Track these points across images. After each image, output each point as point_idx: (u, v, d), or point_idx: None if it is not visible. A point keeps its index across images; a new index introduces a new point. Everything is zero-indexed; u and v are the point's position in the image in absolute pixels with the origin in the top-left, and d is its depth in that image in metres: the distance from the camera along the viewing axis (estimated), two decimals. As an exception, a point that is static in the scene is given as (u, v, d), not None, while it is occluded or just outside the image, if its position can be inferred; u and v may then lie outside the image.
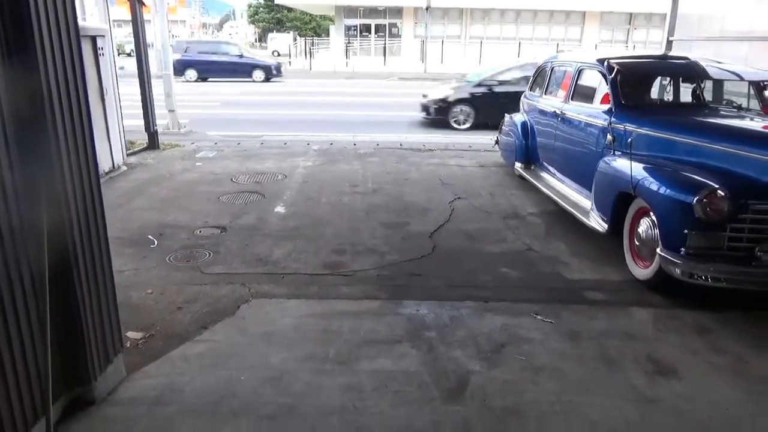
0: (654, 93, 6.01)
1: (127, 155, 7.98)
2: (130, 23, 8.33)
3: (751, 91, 5.18)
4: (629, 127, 4.61)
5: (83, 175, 2.56)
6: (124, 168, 7.44)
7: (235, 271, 4.23)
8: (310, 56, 31.72)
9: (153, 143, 8.82)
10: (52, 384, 2.35)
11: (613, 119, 4.81)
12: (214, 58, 22.62)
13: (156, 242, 4.80)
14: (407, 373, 2.93)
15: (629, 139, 4.36)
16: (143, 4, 8.49)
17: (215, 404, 2.64)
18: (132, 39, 8.54)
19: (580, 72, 5.74)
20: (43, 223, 2.32)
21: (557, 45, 27.21)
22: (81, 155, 2.54)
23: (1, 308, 2.10)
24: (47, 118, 2.29)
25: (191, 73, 21.98)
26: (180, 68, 21.39)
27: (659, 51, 9.94)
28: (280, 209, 5.79)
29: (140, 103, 8.61)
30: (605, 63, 5.09)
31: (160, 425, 2.50)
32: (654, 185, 3.85)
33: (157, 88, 9.11)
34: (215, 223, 5.32)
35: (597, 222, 4.67)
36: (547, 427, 2.53)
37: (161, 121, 9.47)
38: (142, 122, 8.75)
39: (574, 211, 5.14)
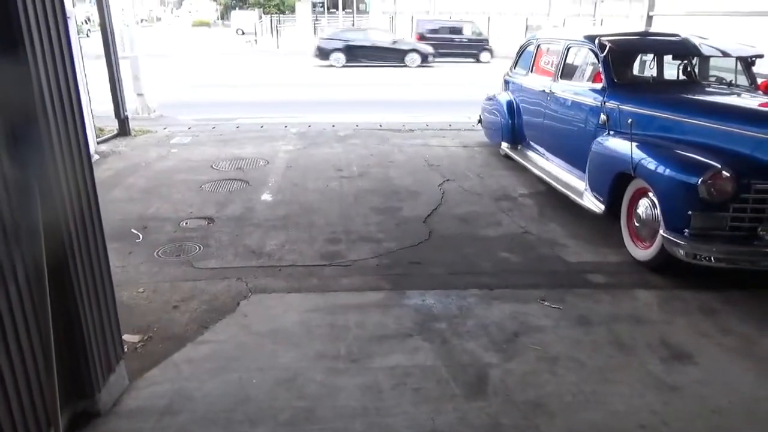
0: (642, 71, 6.01)
1: (98, 143, 7.64)
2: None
3: (738, 67, 5.18)
4: (623, 106, 4.57)
5: (77, 169, 2.38)
6: (96, 157, 7.10)
7: (229, 265, 4.08)
8: (278, 35, 31.00)
9: (124, 129, 8.45)
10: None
11: (606, 98, 4.76)
12: None
13: (141, 236, 4.59)
14: (424, 368, 2.86)
15: (627, 119, 4.31)
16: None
17: (229, 411, 2.52)
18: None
19: (568, 50, 5.67)
20: (38, 222, 2.15)
21: (526, 19, 27.16)
22: (74, 149, 2.36)
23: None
24: (38, 111, 2.10)
25: None
26: None
27: (631, 27, 9.92)
28: (266, 197, 5.61)
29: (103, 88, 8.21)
30: (596, 41, 5.02)
31: (175, 437, 2.38)
32: (656, 166, 3.82)
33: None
34: (201, 213, 5.12)
35: (592, 203, 4.65)
36: (574, 419, 2.49)
37: (129, 106, 9.05)
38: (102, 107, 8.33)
39: (567, 192, 5.10)
